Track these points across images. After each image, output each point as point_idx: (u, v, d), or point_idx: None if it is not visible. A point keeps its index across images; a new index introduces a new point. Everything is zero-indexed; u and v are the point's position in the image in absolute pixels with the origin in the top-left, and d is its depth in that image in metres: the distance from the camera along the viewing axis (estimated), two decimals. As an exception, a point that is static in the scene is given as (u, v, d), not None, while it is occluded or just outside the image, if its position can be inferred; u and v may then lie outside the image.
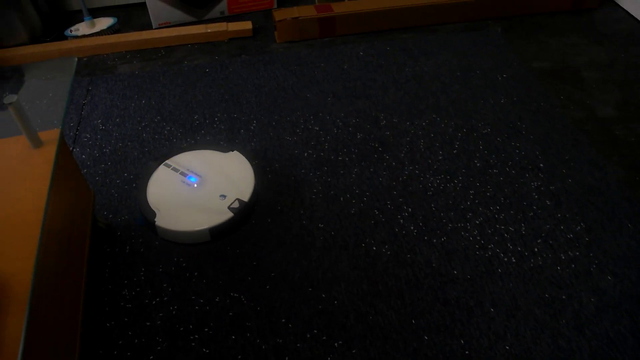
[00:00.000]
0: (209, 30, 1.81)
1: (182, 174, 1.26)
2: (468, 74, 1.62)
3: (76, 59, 1.08)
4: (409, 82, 1.60)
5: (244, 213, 1.19)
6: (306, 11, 1.79)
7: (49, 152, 1.01)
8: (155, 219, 1.17)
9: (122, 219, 1.26)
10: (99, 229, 1.22)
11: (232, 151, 1.32)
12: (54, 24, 1.91)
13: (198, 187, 1.24)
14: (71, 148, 1.45)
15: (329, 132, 1.44)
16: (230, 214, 1.17)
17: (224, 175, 1.26)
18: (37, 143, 1.04)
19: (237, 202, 1.19)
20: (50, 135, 1.07)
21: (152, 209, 1.19)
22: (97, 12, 2.00)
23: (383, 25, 1.83)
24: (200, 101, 1.58)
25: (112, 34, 1.88)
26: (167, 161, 1.30)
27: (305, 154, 1.38)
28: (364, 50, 1.75)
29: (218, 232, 1.17)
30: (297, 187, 1.29)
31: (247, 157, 1.31)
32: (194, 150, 1.35)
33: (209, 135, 1.46)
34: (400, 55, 1.72)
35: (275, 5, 1.98)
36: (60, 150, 1.04)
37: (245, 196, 1.21)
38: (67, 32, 1.86)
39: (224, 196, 1.21)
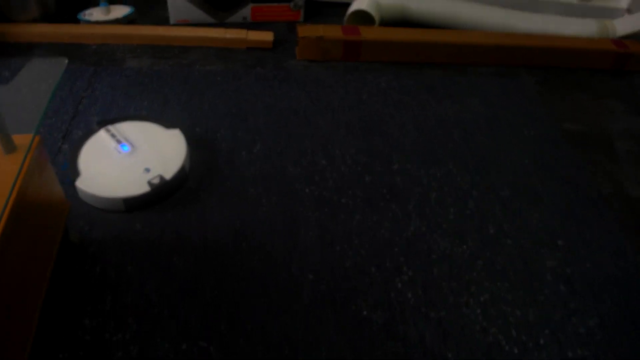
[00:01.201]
0: (227, 36, 1.71)
1: (118, 141, 1.28)
2: (493, 125, 1.52)
3: (66, 61, 0.98)
4: (430, 124, 1.50)
5: (162, 190, 1.21)
6: (332, 31, 1.69)
7: (20, 159, 0.91)
8: (77, 180, 1.20)
9: (99, 233, 1.16)
10: (71, 243, 1.13)
11: (175, 129, 1.33)
12: (69, 3, 1.82)
13: (127, 156, 1.26)
14: (59, 144, 1.36)
15: (336, 168, 1.34)
16: (147, 188, 1.19)
17: (157, 150, 1.28)
18: (9, 148, 0.94)
19: (158, 177, 1.21)
20: (28, 141, 0.98)
21: (77, 170, 1.22)
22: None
23: (411, 57, 1.73)
24: (205, 112, 1.48)
25: (127, 23, 1.79)
26: (108, 126, 1.32)
27: (307, 190, 1.28)
28: (386, 82, 1.64)
29: (132, 204, 1.19)
30: (291, 227, 1.19)
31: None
32: (139, 121, 1.35)
33: (207, 152, 1.36)
34: (424, 93, 1.61)
35: (301, 19, 1.88)
36: (35, 159, 0.94)
37: (169, 174, 1.22)
38: (80, 16, 1.76)
39: (148, 170, 1.22)
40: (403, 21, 1.85)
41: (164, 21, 1.81)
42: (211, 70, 1.63)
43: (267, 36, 1.73)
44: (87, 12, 1.77)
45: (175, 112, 1.48)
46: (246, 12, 1.81)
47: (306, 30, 1.68)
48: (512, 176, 1.36)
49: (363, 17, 1.78)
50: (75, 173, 1.21)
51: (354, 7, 1.77)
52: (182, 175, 1.25)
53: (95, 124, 1.35)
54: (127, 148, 1.27)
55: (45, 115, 0.94)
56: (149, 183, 1.19)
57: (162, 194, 1.22)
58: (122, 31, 1.70)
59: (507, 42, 1.75)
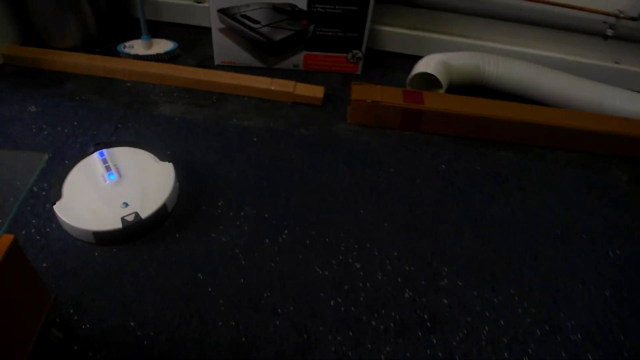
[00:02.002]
0: (272, 88, 1.52)
1: (107, 167, 1.23)
2: (570, 236, 1.25)
3: (46, 158, 0.82)
4: (492, 227, 1.25)
5: (135, 229, 1.15)
6: (390, 95, 1.47)
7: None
8: (56, 204, 1.16)
9: (87, 327, 1.01)
10: (49, 342, 0.97)
11: (168, 162, 1.26)
12: (112, 31, 1.69)
13: (112, 185, 1.21)
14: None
15: (372, 276, 1.12)
16: (119, 225, 1.13)
17: (143, 183, 1.22)
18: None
19: (133, 215, 1.15)
20: (3, 241, 0.82)
21: (60, 192, 1.18)
22: (161, 28, 1.77)
23: (479, 133, 1.48)
24: (232, 181, 1.30)
25: (169, 60, 1.64)
26: (103, 150, 1.27)
27: (332, 302, 1.07)
28: (447, 163, 1.40)
29: (102, 238, 1.15)
30: (305, 351, 0.98)
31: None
32: (135, 148, 1.29)
33: (225, 233, 1.18)
34: (490, 182, 1.37)
35: (359, 71, 1.67)
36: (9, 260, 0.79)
37: (145, 213, 1.15)
38: (121, 47, 1.63)
39: (126, 204, 1.17)
40: (476, 85, 1.61)
41: (208, 60, 1.65)
42: (248, 127, 1.45)
43: (316, 92, 1.54)
44: (128, 44, 1.63)
45: (198, 176, 1.31)
46: (298, 59, 1.62)
47: (361, 91, 1.47)
48: (586, 314, 1.10)
49: (429, 78, 1.55)
50: (57, 195, 1.17)
51: (419, 69, 1.54)
52: (161, 213, 1.19)
53: (92, 145, 1.29)
54: (113, 177, 1.22)
55: (14, 215, 0.78)
56: (122, 219, 1.14)
57: (135, 232, 1.16)
58: (160, 71, 1.55)
59: (596, 125, 1.47)
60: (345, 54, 1.61)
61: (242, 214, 1.24)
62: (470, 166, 1.41)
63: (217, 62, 1.63)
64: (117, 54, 1.62)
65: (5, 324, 0.85)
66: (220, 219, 1.22)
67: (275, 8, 1.48)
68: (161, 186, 1.21)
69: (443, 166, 1.40)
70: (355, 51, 1.60)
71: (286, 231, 1.21)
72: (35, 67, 1.59)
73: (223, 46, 1.58)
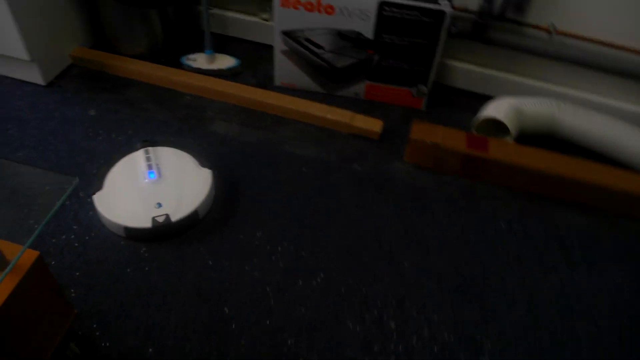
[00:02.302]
0: (329, 117, 1.46)
1: (149, 166, 1.24)
2: (639, 332, 1.11)
3: (76, 182, 0.80)
4: (549, 305, 1.12)
5: (164, 231, 1.17)
6: (454, 138, 1.37)
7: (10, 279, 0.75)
8: (95, 194, 1.19)
9: (106, 345, 0.99)
10: (66, 357, 0.96)
11: (208, 169, 1.26)
12: (178, 42, 1.69)
13: (150, 184, 1.22)
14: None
15: (406, 340, 1.03)
16: (149, 224, 1.14)
17: (180, 186, 1.23)
18: (3, 265, 0.78)
19: (164, 217, 1.15)
20: (26, 256, 0.81)
21: (101, 184, 1.21)
22: (227, 42, 1.75)
23: (546, 190, 1.35)
24: (274, 214, 1.25)
25: (230, 76, 1.62)
26: (149, 148, 1.27)
27: (360, 365, 0.99)
28: (507, 221, 1.29)
29: (132, 234, 1.16)
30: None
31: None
32: (180, 150, 1.30)
33: (259, 267, 1.13)
34: (553, 249, 1.24)
35: (423, 107, 1.57)
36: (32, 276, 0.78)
37: (176, 216, 1.16)
38: (184, 59, 1.62)
39: (160, 205, 1.17)
40: (549, 135, 1.48)
41: (268, 80, 1.61)
42: (300, 156, 1.40)
43: (375, 125, 1.46)
44: (192, 56, 1.63)
45: (242, 204, 1.26)
46: (360, 88, 1.55)
47: (421, 131, 1.38)
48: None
49: (497, 123, 1.44)
50: (98, 186, 1.21)
51: (487, 113, 1.43)
52: (192, 218, 1.19)
53: (140, 141, 1.32)
54: (153, 176, 1.23)
55: (39, 232, 0.76)
56: (153, 219, 1.15)
57: (164, 233, 1.17)
58: (219, 87, 1.52)
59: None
60: (409, 88, 1.53)
61: (279, 248, 1.18)
62: (533, 228, 1.28)
63: (277, 83, 1.59)
64: (180, 65, 1.62)
65: (23, 337, 0.84)
66: (256, 250, 1.17)
67: (341, 34, 1.42)
68: (197, 192, 1.21)
69: (502, 224, 1.28)
70: (420, 86, 1.52)
71: (322, 274, 1.14)
72: (100, 71, 1.61)
73: (284, 68, 1.54)
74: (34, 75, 1.52)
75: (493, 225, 1.27)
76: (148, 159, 1.26)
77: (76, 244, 1.17)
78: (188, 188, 1.22)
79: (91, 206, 1.23)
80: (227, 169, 1.35)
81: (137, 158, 1.27)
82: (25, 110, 1.47)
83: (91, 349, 1.01)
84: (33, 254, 0.81)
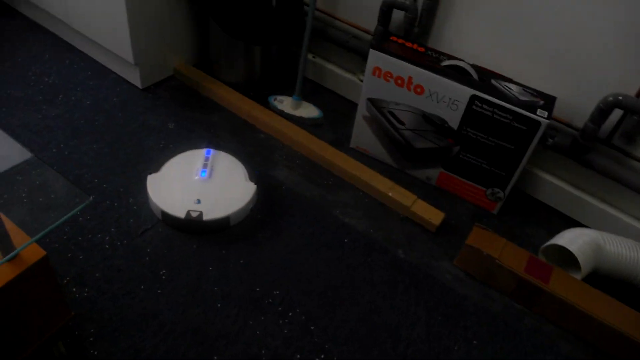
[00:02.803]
0: (390, 194, 1.40)
1: (204, 165, 1.34)
2: None
3: (89, 201, 0.81)
4: None
5: (194, 225, 1.24)
6: (514, 256, 1.25)
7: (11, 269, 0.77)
8: (150, 174, 1.31)
9: (94, 353, 0.99)
10: (52, 355, 0.97)
11: (254, 184, 1.33)
12: (272, 80, 1.73)
13: (199, 181, 1.31)
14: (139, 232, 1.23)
15: None
16: (182, 216, 1.22)
17: (225, 190, 1.31)
18: (7, 250, 0.80)
19: (198, 213, 1.23)
20: (33, 252, 0.83)
21: (159, 168, 1.33)
22: (319, 91, 1.76)
23: (608, 346, 1.18)
24: (299, 274, 1.20)
25: (310, 126, 1.62)
26: (210, 149, 1.39)
27: None
28: (546, 365, 1.14)
29: (166, 220, 1.26)
30: None
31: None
32: (236, 158, 1.39)
33: (262, 326, 1.08)
34: (589, 416, 1.07)
35: (496, 211, 1.46)
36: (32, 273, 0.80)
37: (209, 216, 1.23)
38: (271, 99, 1.66)
39: (199, 201, 1.26)
40: (629, 283, 1.30)
41: (344, 140, 1.59)
42: (346, 225, 1.34)
43: (435, 217, 1.37)
44: (279, 98, 1.65)
45: (274, 252, 1.23)
46: (433, 174, 1.48)
47: (481, 238, 1.27)
48: None
49: (569, 256, 1.29)
50: (155, 169, 1.33)
51: (561, 241, 1.29)
52: (222, 223, 1.27)
53: (206, 143, 1.46)
54: (204, 175, 1.32)
55: (47, 233, 0.78)
56: (187, 212, 1.23)
57: (193, 228, 1.25)
58: (294, 135, 1.53)
59: None
60: (485, 188, 1.43)
61: (290, 313, 1.13)
62: (575, 383, 1.12)
63: (352, 145, 1.57)
64: (266, 103, 1.65)
65: (10, 326, 0.86)
66: (267, 307, 1.13)
67: (425, 117, 1.37)
68: (235, 200, 1.29)
69: (542, 367, 1.13)
70: (497, 190, 1.41)
71: (323, 356, 1.07)
72: (195, 89, 1.69)
73: (362, 133, 1.51)
74: (135, 78, 1.62)
75: (530, 366, 1.13)
76: (206, 159, 1.36)
77: (107, 246, 1.20)
78: (229, 194, 1.30)
79: (132, 215, 1.27)
80: (273, 215, 1.33)
81: (197, 156, 1.37)
82: (117, 107, 1.57)
83: (79, 353, 1.01)
84: (39, 252, 0.83)
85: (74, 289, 1.11)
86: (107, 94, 1.61)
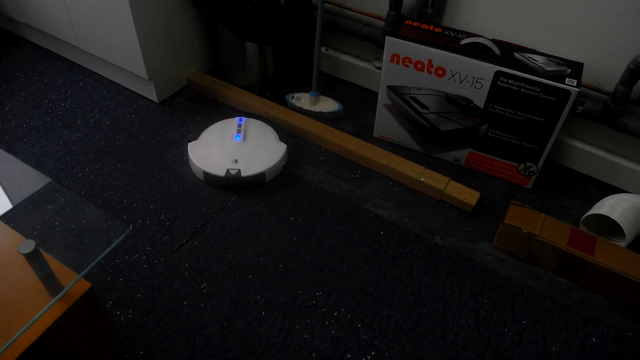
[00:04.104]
0: (422, 179, 1.38)
1: (238, 130, 1.45)
2: None
3: (129, 230, 0.80)
4: None
5: (233, 182, 1.36)
6: (555, 230, 1.22)
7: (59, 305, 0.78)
8: (190, 142, 1.43)
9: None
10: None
11: (284, 143, 1.45)
12: (287, 79, 1.71)
13: (235, 144, 1.43)
14: (154, 262, 1.23)
15: None
16: (221, 174, 1.35)
17: (259, 150, 1.42)
18: (55, 290, 0.81)
19: (237, 171, 1.35)
20: (78, 285, 0.83)
21: (197, 135, 1.45)
22: (335, 84, 1.74)
23: (660, 314, 1.15)
24: (339, 274, 1.19)
25: (330, 119, 1.60)
26: (243, 116, 1.50)
27: None
28: (600, 337, 1.11)
29: (209, 179, 1.38)
30: None
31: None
32: (266, 124, 1.50)
33: (310, 329, 1.08)
34: (652, 387, 1.04)
35: (529, 185, 1.43)
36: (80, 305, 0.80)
37: (247, 172, 1.36)
38: (288, 97, 1.64)
39: (236, 161, 1.38)
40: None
41: (367, 130, 1.57)
42: (380, 217, 1.33)
43: (470, 197, 1.35)
44: (297, 95, 1.63)
45: (308, 253, 1.22)
46: (461, 155, 1.45)
47: (519, 215, 1.24)
48: None
49: (612, 224, 1.26)
50: (194, 137, 1.45)
51: (601, 210, 1.25)
52: (259, 179, 1.39)
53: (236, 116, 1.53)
54: (239, 138, 1.44)
55: (93, 267, 0.78)
56: (227, 170, 1.35)
57: (233, 184, 1.37)
58: (316, 130, 1.51)
59: None
60: (516, 164, 1.39)
61: (335, 314, 1.12)
62: (630, 352, 1.09)
63: (375, 134, 1.54)
64: (284, 102, 1.63)
65: (62, 358, 0.87)
66: (311, 310, 1.12)
67: (449, 98, 1.34)
68: (269, 158, 1.40)
69: (593, 339, 1.11)
70: (529, 164, 1.38)
71: (373, 353, 1.06)
72: (210, 97, 1.68)
73: (385, 122, 1.48)
74: (150, 92, 1.62)
75: (582, 338, 1.10)
76: (239, 125, 1.47)
77: (145, 266, 1.20)
78: (263, 154, 1.41)
79: (165, 231, 1.27)
80: (303, 216, 1.32)
81: (231, 123, 1.48)
82: (136, 123, 1.57)
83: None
84: (85, 285, 0.84)
85: (118, 312, 1.12)
86: (124, 112, 1.61)
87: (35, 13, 1.68)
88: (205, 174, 1.36)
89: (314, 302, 1.14)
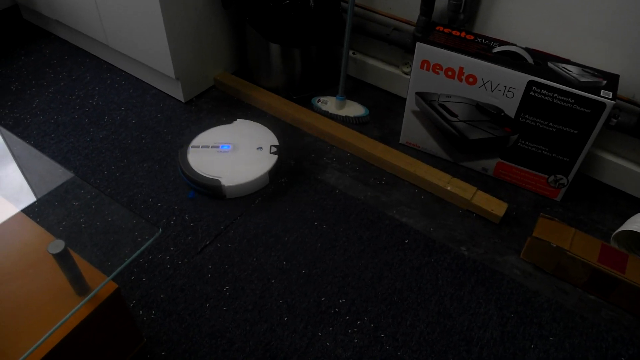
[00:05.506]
0: (448, 188, 1.36)
1: (225, 143, 1.43)
2: None
3: (158, 234, 0.80)
4: None
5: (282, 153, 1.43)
6: (585, 245, 1.19)
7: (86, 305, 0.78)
8: (222, 182, 1.34)
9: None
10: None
11: (238, 120, 1.50)
12: (314, 81, 1.70)
13: (234, 150, 1.42)
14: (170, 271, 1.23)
15: None
16: (275, 157, 1.40)
17: (247, 136, 1.45)
18: (82, 291, 0.80)
19: (273, 147, 1.41)
20: (105, 286, 0.83)
21: (214, 178, 1.35)
22: (362, 88, 1.72)
23: (693, 336, 1.11)
24: (362, 281, 1.18)
25: (356, 124, 1.58)
26: (229, 145, 1.44)
27: None
28: (631, 357, 1.08)
29: (274, 174, 1.40)
30: None
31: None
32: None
33: (332, 337, 1.06)
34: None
35: (559, 198, 1.40)
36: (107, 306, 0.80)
37: (275, 142, 1.43)
38: (315, 100, 1.62)
39: (260, 148, 1.41)
40: None
41: (393, 136, 1.55)
42: (405, 225, 1.31)
43: (497, 207, 1.32)
44: (323, 99, 1.62)
45: (333, 259, 1.21)
46: (489, 164, 1.42)
47: (547, 229, 1.22)
48: None
49: (645, 240, 1.23)
50: (213, 181, 1.36)
51: (633, 226, 1.22)
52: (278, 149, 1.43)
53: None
54: (227, 147, 1.42)
55: (121, 270, 0.78)
56: (272, 153, 1.41)
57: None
58: (341, 135, 1.50)
59: None
60: (546, 176, 1.36)
61: (358, 322, 1.11)
62: (663, 377, 1.06)
63: (402, 140, 1.52)
64: (310, 105, 1.62)
65: (86, 357, 0.87)
66: (334, 317, 1.11)
67: (479, 107, 1.31)
68: (259, 131, 1.47)
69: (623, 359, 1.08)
70: (559, 176, 1.35)
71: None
72: (236, 98, 1.67)
73: (412, 128, 1.47)
74: (177, 92, 1.62)
75: (611, 359, 1.08)
76: (227, 144, 1.43)
77: (168, 266, 1.20)
78: (253, 134, 1.45)
79: (189, 232, 1.27)
80: (328, 222, 1.31)
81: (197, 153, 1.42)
82: (162, 123, 1.57)
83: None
84: (112, 286, 0.83)
85: (141, 312, 1.12)
86: (151, 111, 1.61)
87: (65, 10, 1.69)
88: (270, 171, 1.38)
89: (336, 309, 1.13)
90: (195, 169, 1.35)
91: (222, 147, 1.41)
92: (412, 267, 1.22)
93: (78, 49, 1.85)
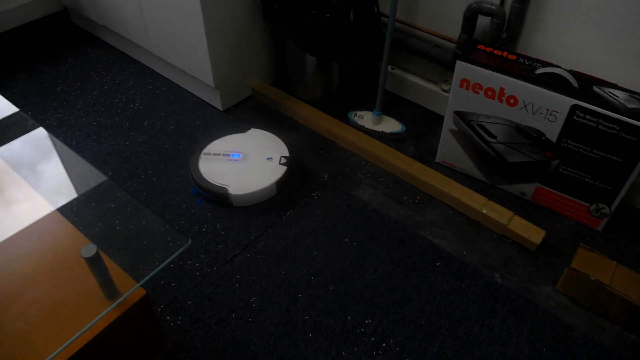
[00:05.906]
0: (484, 212, 1.32)
1: (235, 151, 1.44)
2: None
3: (188, 244, 0.80)
4: None
5: (292, 164, 1.43)
6: (627, 281, 1.13)
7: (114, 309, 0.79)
8: (229, 191, 1.34)
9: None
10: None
11: (251, 129, 1.51)
12: (351, 95, 1.69)
13: (234, 161, 1.42)
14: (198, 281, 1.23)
15: None
16: (284, 168, 1.39)
17: (258, 146, 1.46)
18: (112, 295, 0.81)
19: (283, 158, 1.41)
20: (134, 292, 0.84)
21: (221, 186, 1.35)
22: (400, 103, 1.70)
23: None
24: (391, 303, 1.15)
25: (392, 140, 1.56)
26: (205, 150, 1.44)
27: None
28: (671, 405, 1.02)
29: (282, 185, 1.39)
30: None
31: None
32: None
33: (357, 358, 1.05)
34: None
35: (599, 228, 1.34)
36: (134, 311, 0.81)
37: (286, 153, 1.43)
38: (351, 115, 1.62)
39: (270, 158, 1.41)
40: None
41: (429, 154, 1.52)
42: (437, 247, 1.28)
43: (535, 234, 1.28)
44: (360, 113, 1.61)
45: (362, 279, 1.19)
46: (528, 189, 1.38)
47: (587, 261, 1.17)
48: None
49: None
50: (221, 189, 1.36)
51: (682, 262, 1.16)
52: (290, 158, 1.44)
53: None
54: (238, 156, 1.43)
55: (150, 277, 0.78)
56: (281, 164, 1.41)
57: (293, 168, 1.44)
58: (377, 151, 1.48)
59: None
60: (588, 204, 1.31)
61: (383, 344, 1.09)
62: None
63: (438, 159, 1.50)
64: (346, 119, 1.61)
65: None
66: (359, 338, 1.09)
67: (519, 129, 1.28)
68: (270, 141, 1.49)
69: (664, 407, 1.02)
70: (602, 205, 1.29)
71: (419, 392, 1.01)
72: (273, 108, 1.68)
73: (449, 147, 1.44)
74: (215, 100, 1.64)
75: (651, 407, 1.02)
76: (236, 151, 1.45)
77: (197, 273, 1.21)
78: (263, 143, 1.47)
79: (220, 240, 1.27)
80: (359, 239, 1.29)
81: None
82: (199, 130, 1.59)
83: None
84: (140, 292, 0.84)
85: (168, 317, 1.12)
86: (189, 118, 1.63)
87: (112, 16, 1.74)
88: (278, 182, 1.38)
89: (362, 329, 1.11)
90: (205, 176, 1.36)
91: (232, 155, 1.42)
92: (443, 291, 1.19)
93: (123, 55, 1.90)
